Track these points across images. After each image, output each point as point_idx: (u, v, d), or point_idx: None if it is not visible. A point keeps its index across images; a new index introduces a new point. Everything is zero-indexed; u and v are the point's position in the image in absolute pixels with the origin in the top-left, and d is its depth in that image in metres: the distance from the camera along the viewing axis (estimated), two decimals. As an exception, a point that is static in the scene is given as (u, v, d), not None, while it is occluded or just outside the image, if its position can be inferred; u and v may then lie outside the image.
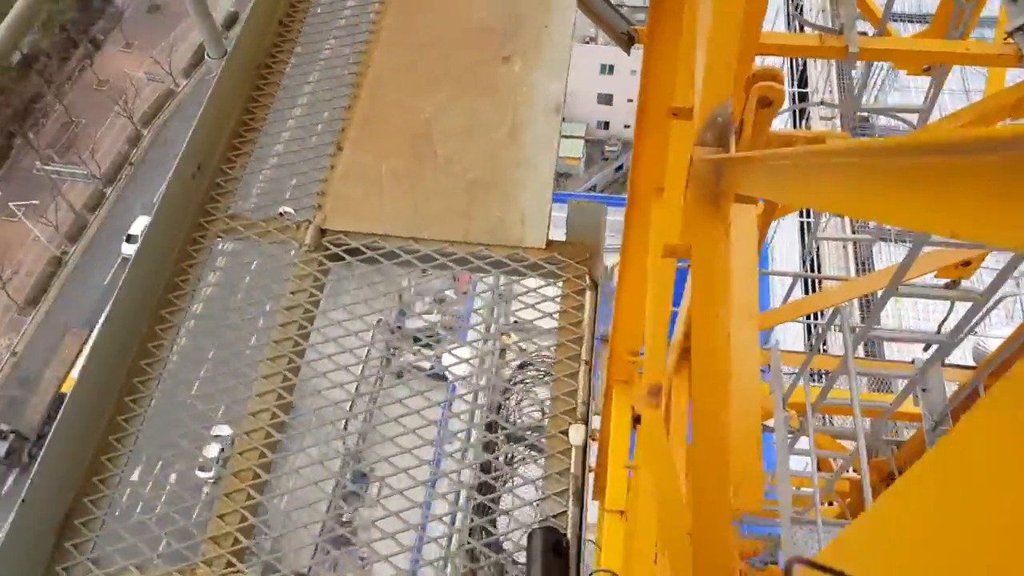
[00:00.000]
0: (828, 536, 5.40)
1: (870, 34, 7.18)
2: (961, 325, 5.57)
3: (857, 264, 19.76)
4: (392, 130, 3.07)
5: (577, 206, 2.70)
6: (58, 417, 2.21)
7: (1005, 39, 6.06)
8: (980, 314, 5.72)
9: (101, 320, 2.34)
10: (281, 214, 2.87)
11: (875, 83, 22.27)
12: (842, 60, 6.39)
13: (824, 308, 6.73)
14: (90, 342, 2.33)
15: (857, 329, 5.74)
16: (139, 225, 39.73)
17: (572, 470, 2.24)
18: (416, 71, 3.24)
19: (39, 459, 2.14)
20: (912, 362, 6.88)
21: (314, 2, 3.45)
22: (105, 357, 2.41)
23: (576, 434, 2.30)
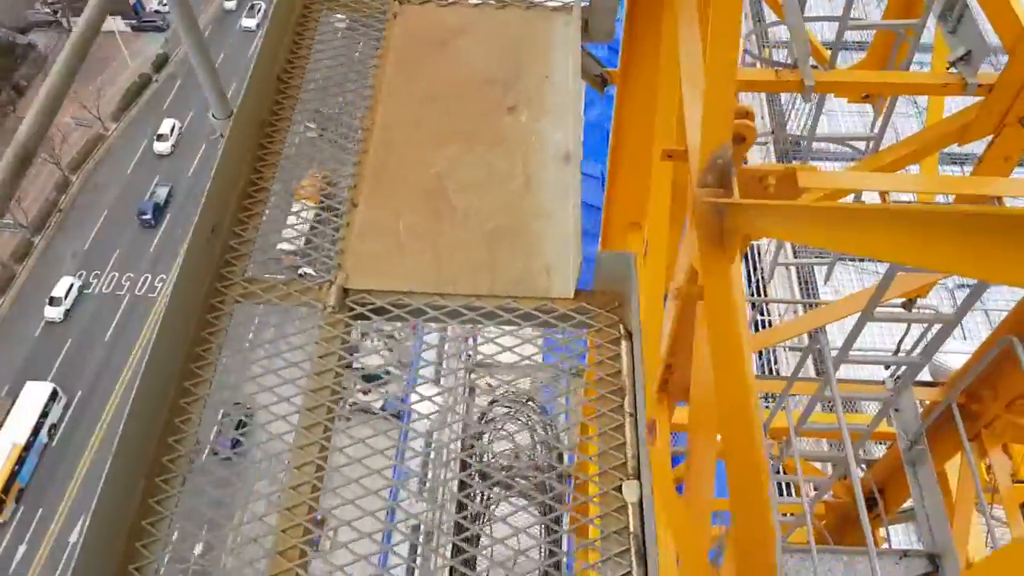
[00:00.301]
0: (823, 563, 5.46)
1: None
2: (932, 346, 5.76)
3: (800, 284, 20.38)
4: (405, 185, 3.04)
5: (605, 254, 2.71)
6: (93, 507, 2.09)
7: (947, 68, 6.38)
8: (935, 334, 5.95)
9: (129, 404, 2.23)
10: (301, 275, 2.80)
11: (807, 110, 23.17)
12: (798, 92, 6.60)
13: (801, 333, 6.89)
14: (119, 430, 2.20)
15: (835, 354, 5.87)
16: (62, 287, 38.33)
17: (631, 528, 2.21)
18: (422, 125, 3.23)
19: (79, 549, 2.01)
20: (883, 383, 7.08)
21: (311, 58, 3.41)
22: (133, 437, 2.29)
23: (630, 491, 2.28)
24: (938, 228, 1.53)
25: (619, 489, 2.31)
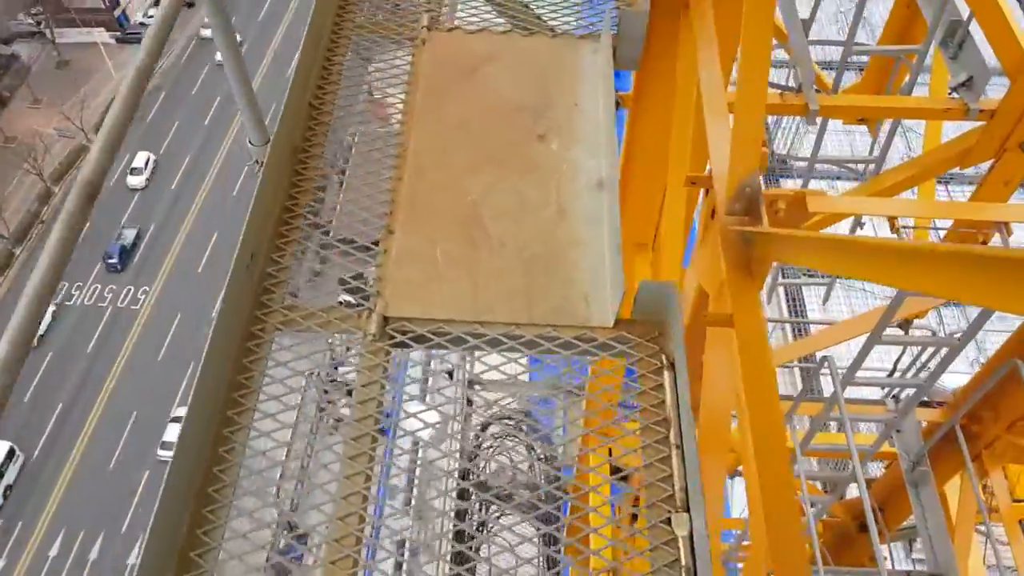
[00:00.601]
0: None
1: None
2: (938, 370, 5.83)
3: (788, 302, 20.56)
4: (441, 212, 3.05)
5: (645, 283, 2.72)
6: (144, 539, 2.06)
7: (949, 93, 6.49)
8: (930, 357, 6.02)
9: (178, 439, 2.21)
10: (340, 303, 2.79)
11: (793, 128, 23.44)
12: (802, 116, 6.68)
13: (807, 354, 6.95)
14: (168, 467, 2.17)
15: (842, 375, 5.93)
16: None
17: (683, 562, 2.21)
18: (454, 152, 3.24)
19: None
20: (883, 403, 7.15)
21: (342, 84, 3.42)
22: (182, 471, 2.27)
23: (680, 524, 2.28)
24: (952, 264, 1.80)
25: (668, 522, 2.31)
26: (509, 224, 3.03)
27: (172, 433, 34.60)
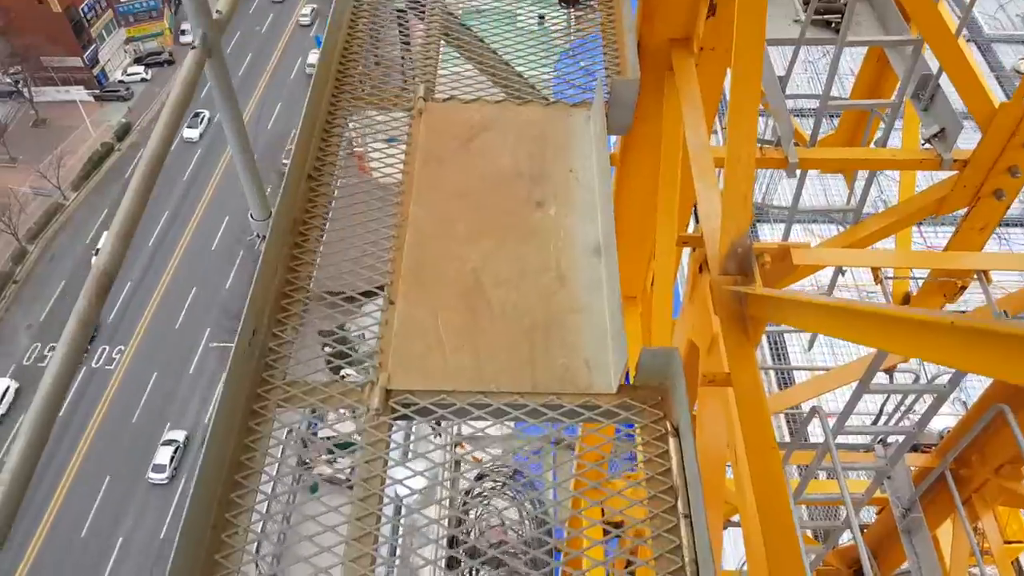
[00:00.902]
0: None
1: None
2: (926, 416, 5.88)
3: (771, 348, 20.71)
4: (442, 281, 3.06)
5: (647, 349, 2.74)
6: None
7: (923, 144, 6.68)
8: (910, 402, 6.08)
9: (181, 524, 2.16)
10: (342, 377, 2.78)
11: (766, 175, 23.88)
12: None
13: (795, 404, 6.98)
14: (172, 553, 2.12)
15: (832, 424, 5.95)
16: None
17: (698, 634, 2.19)
18: (454, 221, 3.27)
19: None
20: (872, 450, 7.17)
21: (339, 155, 3.45)
22: (184, 555, 2.21)
23: (695, 597, 2.26)
24: (934, 332, 1.93)
25: (680, 594, 2.29)
26: (510, 291, 3.05)
27: (163, 455, 34.21)
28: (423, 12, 4.19)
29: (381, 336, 2.89)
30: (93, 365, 38.20)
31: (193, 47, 2.55)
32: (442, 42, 4.13)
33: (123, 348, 38.94)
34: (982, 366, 1.70)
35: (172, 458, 34.27)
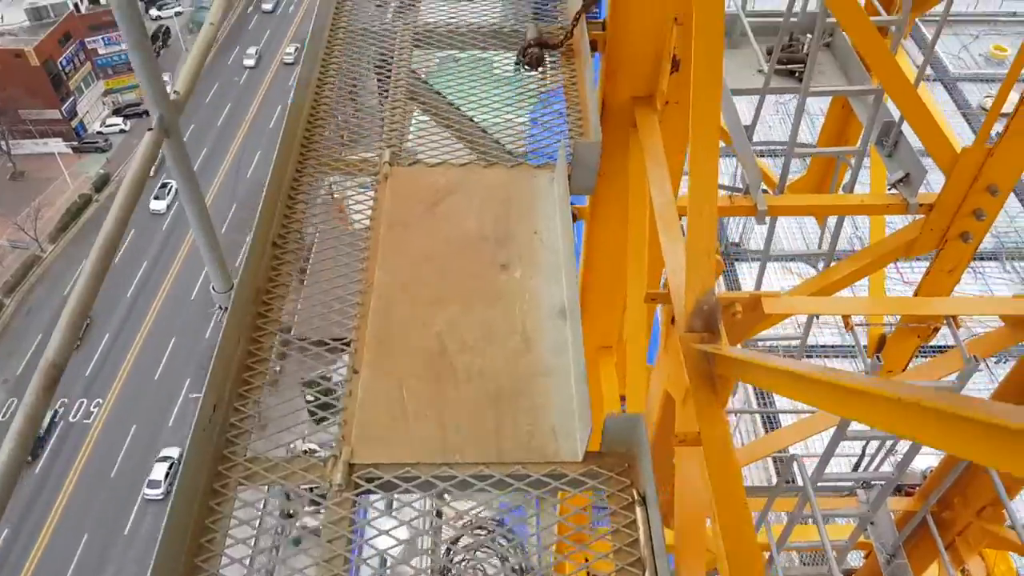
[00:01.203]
0: None
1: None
2: (905, 460, 5.88)
3: (755, 389, 20.71)
4: (406, 348, 3.04)
5: (612, 416, 2.72)
6: None
7: (889, 189, 6.80)
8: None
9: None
10: (305, 451, 2.73)
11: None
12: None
13: (777, 450, 6.96)
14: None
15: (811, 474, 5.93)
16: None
17: None
18: (419, 285, 3.26)
19: None
20: (854, 494, 7.14)
21: (303, 222, 3.45)
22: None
23: (665, 672, 2.21)
24: (893, 406, 1.92)
25: (651, 671, 2.24)
26: (475, 356, 3.03)
27: (158, 472, 34.78)
28: (388, 75, 4.23)
29: (345, 407, 2.85)
30: (71, 420, 37.54)
31: (150, 129, 2.55)
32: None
33: (100, 401, 38.35)
34: (948, 445, 1.69)
35: (167, 474, 34.98)
